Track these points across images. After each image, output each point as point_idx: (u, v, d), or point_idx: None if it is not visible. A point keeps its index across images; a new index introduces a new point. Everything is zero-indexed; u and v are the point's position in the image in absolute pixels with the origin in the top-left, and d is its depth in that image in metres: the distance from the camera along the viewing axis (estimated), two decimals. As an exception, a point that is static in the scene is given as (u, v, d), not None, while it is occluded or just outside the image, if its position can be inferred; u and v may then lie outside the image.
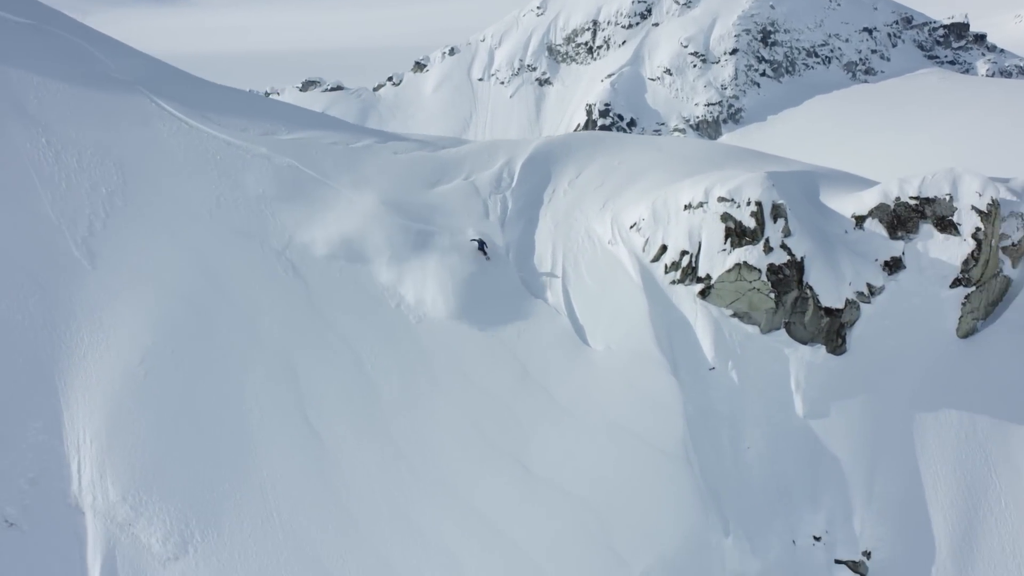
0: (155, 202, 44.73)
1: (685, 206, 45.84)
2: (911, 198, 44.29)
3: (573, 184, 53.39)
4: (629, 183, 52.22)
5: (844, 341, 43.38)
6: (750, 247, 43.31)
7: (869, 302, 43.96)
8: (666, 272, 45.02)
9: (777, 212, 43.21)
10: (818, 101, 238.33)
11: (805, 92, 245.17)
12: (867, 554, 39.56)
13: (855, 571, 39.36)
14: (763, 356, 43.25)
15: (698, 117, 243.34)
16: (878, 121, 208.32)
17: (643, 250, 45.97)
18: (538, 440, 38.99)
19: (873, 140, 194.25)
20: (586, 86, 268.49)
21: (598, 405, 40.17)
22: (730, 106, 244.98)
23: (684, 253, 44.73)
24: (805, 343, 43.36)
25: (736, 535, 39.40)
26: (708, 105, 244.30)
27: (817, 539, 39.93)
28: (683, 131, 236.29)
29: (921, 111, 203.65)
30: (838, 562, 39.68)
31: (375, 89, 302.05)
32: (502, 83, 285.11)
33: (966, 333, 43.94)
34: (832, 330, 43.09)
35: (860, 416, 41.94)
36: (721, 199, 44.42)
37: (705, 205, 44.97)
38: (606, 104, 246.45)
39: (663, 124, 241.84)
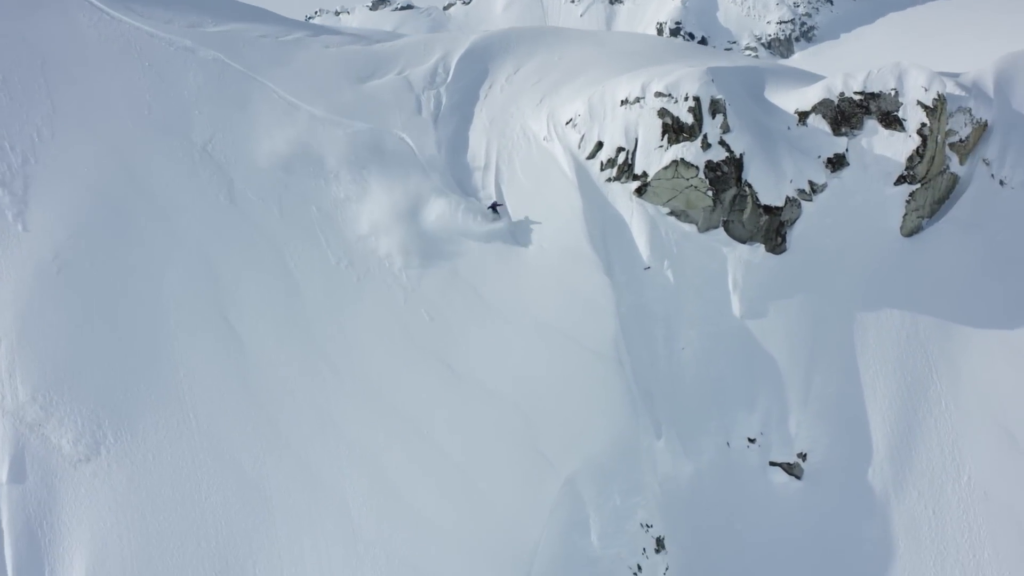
0: (72, 95, 42.77)
1: (622, 102, 44.31)
2: (856, 93, 42.95)
3: (511, 80, 51.74)
4: (568, 79, 50.68)
5: (784, 240, 42.21)
6: (688, 144, 41.94)
7: (811, 200, 42.74)
8: (602, 169, 43.66)
9: (716, 108, 41.84)
10: (892, 18, 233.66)
11: (879, 9, 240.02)
12: (802, 456, 38.81)
13: (790, 473, 38.59)
14: (700, 255, 42.08)
15: (770, 35, 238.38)
16: (955, 37, 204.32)
17: (579, 147, 44.53)
18: (465, 341, 37.94)
19: (949, 56, 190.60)
20: (657, 4, 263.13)
21: (528, 305, 39.05)
22: (802, 24, 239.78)
23: (620, 150, 43.29)
24: (744, 242, 42.24)
25: (668, 437, 38.59)
26: (780, 23, 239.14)
27: (752, 441, 39.14)
28: (755, 50, 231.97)
29: (1002, 22, 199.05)
30: (772, 464, 38.89)
31: (445, 8, 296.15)
32: (572, 1, 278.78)
33: (910, 231, 42.86)
34: (771, 229, 41.90)
35: (799, 316, 40.92)
36: (658, 94, 42.93)
37: (642, 101, 43.48)
38: (677, 23, 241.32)
39: (734, 43, 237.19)
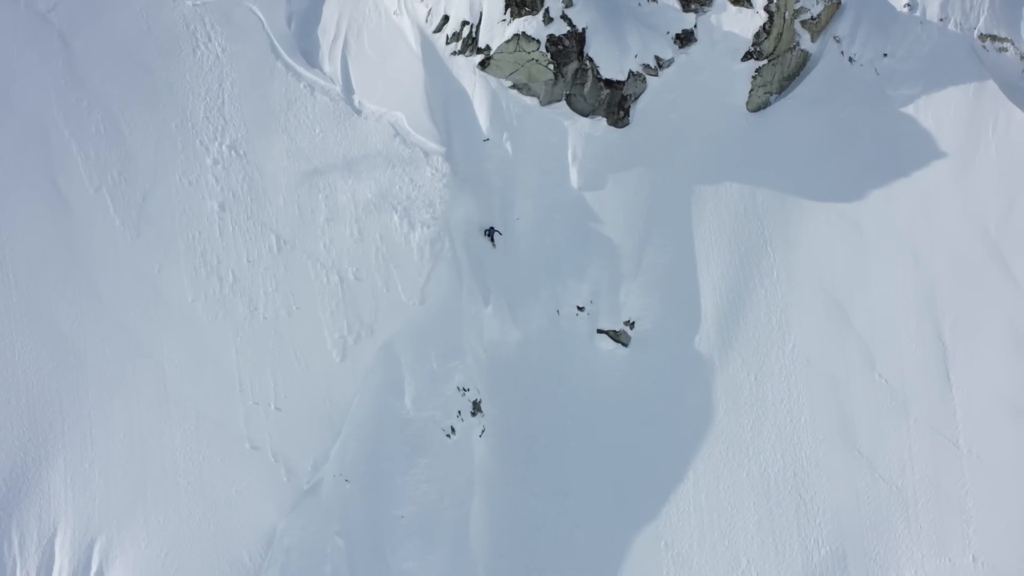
0: None
1: (467, -25, 43.89)
2: (705, -31, 42.60)
3: (370, -46, 51.04)
4: (421, -46, 50.03)
5: (627, 114, 42.28)
6: (530, 17, 41.74)
7: (657, 75, 42.80)
8: (447, 43, 43.51)
9: (558, -19, 41.40)
10: None
11: None
12: (630, 323, 39.18)
13: (616, 339, 39.01)
14: (541, 128, 42.11)
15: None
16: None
17: (426, 20, 44.20)
18: (294, 208, 37.82)
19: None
20: None
21: (361, 174, 38.69)
22: None
23: (465, 23, 43.16)
24: (586, 115, 42.36)
25: (497, 305, 38.84)
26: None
27: (581, 309, 39.49)
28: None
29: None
30: (600, 331, 39.03)
31: None
32: None
33: (757, 107, 43.02)
34: (614, 102, 41.96)
35: (637, 188, 41.20)
36: (502, -33, 42.48)
37: (486, -27, 43.01)
38: None
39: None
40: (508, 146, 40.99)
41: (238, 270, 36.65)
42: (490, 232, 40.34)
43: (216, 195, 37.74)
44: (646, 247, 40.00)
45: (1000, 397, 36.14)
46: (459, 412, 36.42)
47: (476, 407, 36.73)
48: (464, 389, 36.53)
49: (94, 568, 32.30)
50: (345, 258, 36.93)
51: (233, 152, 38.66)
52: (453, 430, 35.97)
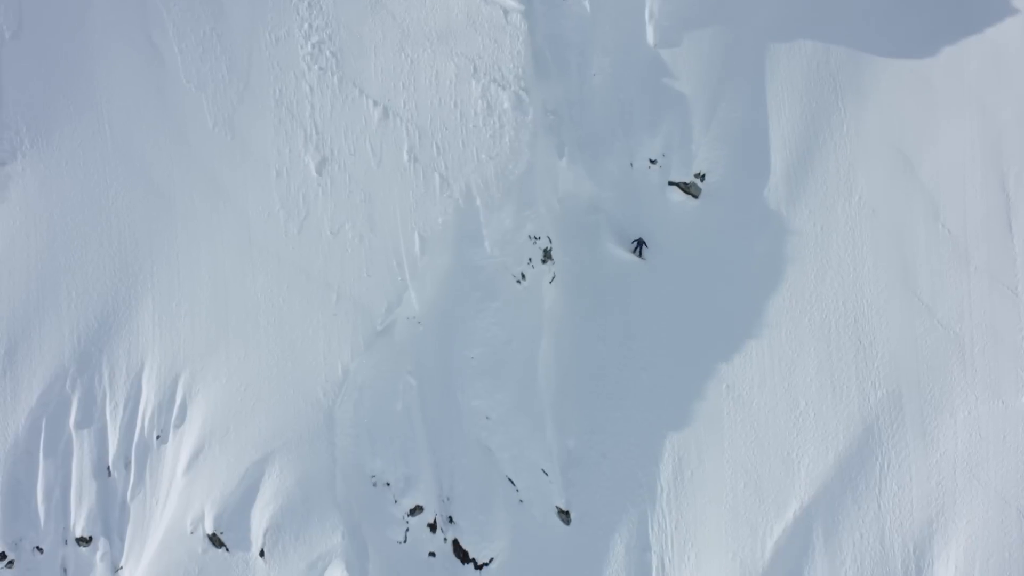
0: None
1: None
2: None
3: None
4: None
5: (704, -29, 42.71)
6: None
7: (735, -67, 42.98)
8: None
9: None
10: None
11: None
12: (700, 176, 40.35)
13: (686, 191, 40.35)
14: (618, -14, 42.72)
15: None
16: None
17: None
18: (377, 64, 39.31)
19: None
20: None
21: (444, 36, 40.14)
22: None
23: None
24: (663, -27, 42.75)
25: (572, 157, 40.30)
26: None
27: (653, 162, 40.85)
28: None
29: None
30: (671, 183, 40.34)
31: None
32: None
33: (833, -36, 42.95)
34: (690, -39, 42.43)
35: (711, 46, 42.04)
36: None
37: None
38: None
39: None
40: (586, 3, 41.83)
41: (325, 127, 38.81)
42: (638, 245, 41.19)
43: (306, 50, 39.21)
44: (718, 102, 40.88)
45: (1060, 245, 36.50)
46: (530, 259, 38.19)
47: (547, 255, 38.43)
48: (535, 238, 38.24)
49: (178, 400, 35.74)
50: (427, 115, 38.20)
51: (320, 11, 40.00)
52: (524, 276, 37.67)
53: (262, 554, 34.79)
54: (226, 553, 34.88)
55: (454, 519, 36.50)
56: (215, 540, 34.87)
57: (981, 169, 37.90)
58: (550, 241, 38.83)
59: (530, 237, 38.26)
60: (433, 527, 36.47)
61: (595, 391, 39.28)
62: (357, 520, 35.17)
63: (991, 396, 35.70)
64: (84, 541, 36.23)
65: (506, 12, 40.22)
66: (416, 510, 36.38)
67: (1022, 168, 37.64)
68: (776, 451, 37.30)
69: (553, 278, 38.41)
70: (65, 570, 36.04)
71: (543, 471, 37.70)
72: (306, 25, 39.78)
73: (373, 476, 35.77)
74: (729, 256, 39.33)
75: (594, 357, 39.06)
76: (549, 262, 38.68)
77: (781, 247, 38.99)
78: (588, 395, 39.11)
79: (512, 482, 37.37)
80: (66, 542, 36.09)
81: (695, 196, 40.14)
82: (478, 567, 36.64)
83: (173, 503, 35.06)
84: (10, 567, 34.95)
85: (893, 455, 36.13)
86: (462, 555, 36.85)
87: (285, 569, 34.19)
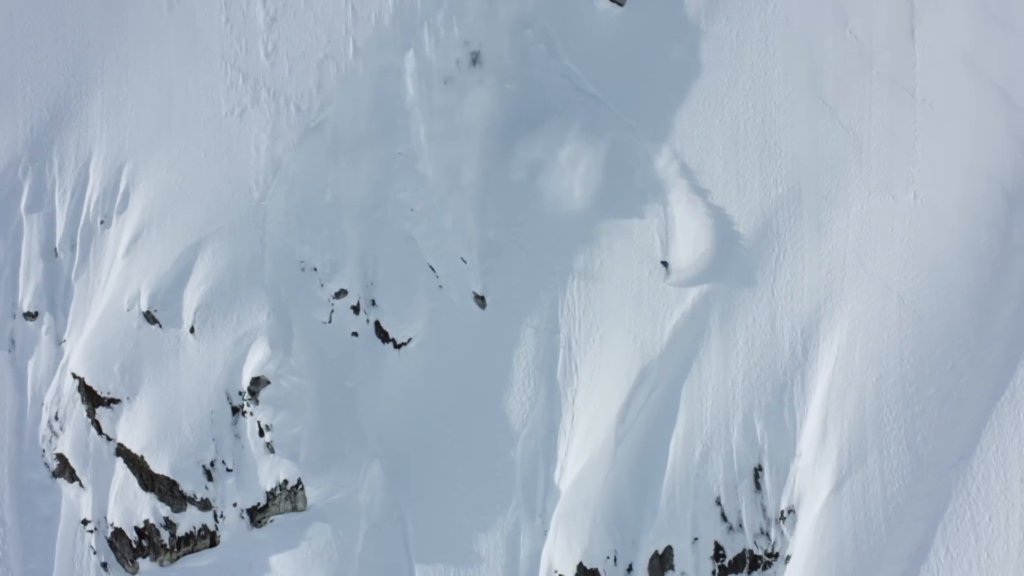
0: None
1: None
2: None
3: None
4: None
5: None
6: None
7: None
8: None
9: None
10: None
11: None
12: (625, -15, 41.59)
13: None
14: None
15: None
16: None
17: None
18: None
19: None
20: None
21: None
22: None
23: None
24: None
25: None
26: None
27: (581, -28, 41.94)
28: None
29: None
30: (597, -7, 41.83)
31: None
32: None
33: None
34: None
35: None
36: None
37: None
38: None
39: None
40: None
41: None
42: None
43: None
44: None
45: (957, 51, 38.34)
46: (457, 61, 40.28)
47: (475, 58, 40.89)
48: (466, 42, 40.14)
49: (121, 188, 39.09)
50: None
51: None
52: (451, 79, 39.90)
53: (192, 331, 37.57)
54: (159, 329, 37.80)
55: (376, 302, 39.15)
56: (149, 317, 37.83)
57: (888, -25, 39.13)
58: (480, 44, 40.80)
59: (462, 41, 40.77)
60: (356, 309, 39.18)
61: (518, 189, 41.46)
62: (284, 302, 37.97)
63: (883, 192, 37.69)
64: (31, 316, 39.50)
65: None
66: (341, 293, 39.00)
67: (927, -26, 38.69)
68: (681, 241, 38.28)
69: (480, 81, 40.53)
70: (13, 341, 39.22)
71: (462, 259, 39.99)
72: None
73: (301, 261, 38.43)
74: (649, 61, 41.23)
75: (519, 161, 41.70)
76: (478, 65, 40.95)
77: (698, 53, 40.84)
78: (511, 192, 41.41)
79: (433, 269, 39.90)
80: (14, 316, 39.35)
81: (620, 4, 41.64)
82: (397, 346, 39.18)
83: (113, 283, 38.16)
84: (-40, 339, 38.30)
85: (789, 246, 38.18)
86: (383, 335, 39.49)
87: (213, 344, 37.12)
